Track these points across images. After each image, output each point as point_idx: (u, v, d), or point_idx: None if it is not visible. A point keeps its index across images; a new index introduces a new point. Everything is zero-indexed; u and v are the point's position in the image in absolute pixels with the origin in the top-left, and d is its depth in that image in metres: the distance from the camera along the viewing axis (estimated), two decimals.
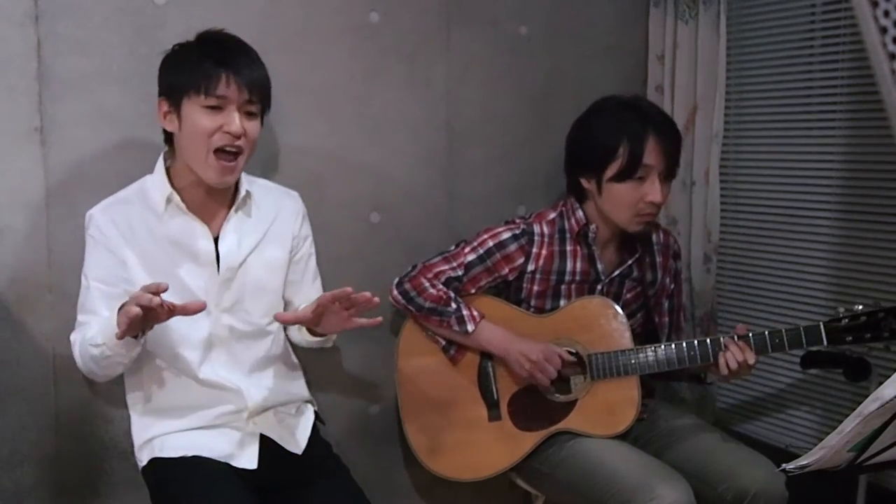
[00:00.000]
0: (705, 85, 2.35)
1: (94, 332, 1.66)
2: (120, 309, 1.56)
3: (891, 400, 1.21)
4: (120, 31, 1.88)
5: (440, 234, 2.26)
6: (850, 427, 1.26)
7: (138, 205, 1.76)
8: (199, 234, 1.76)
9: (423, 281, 2.03)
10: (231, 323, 1.80)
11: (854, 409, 1.26)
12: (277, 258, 1.86)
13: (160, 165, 1.78)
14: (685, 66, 2.39)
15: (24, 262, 1.85)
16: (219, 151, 1.69)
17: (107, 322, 1.63)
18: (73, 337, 1.76)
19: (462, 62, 2.28)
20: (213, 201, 1.78)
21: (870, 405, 1.23)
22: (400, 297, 2.05)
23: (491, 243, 2.04)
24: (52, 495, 1.92)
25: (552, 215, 2.08)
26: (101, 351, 1.64)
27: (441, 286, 2.02)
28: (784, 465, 1.36)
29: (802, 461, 1.33)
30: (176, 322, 1.66)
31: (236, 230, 1.80)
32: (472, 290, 2.06)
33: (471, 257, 2.04)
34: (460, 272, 2.04)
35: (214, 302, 1.77)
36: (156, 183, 1.76)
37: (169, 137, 1.78)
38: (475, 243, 2.06)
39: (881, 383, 1.25)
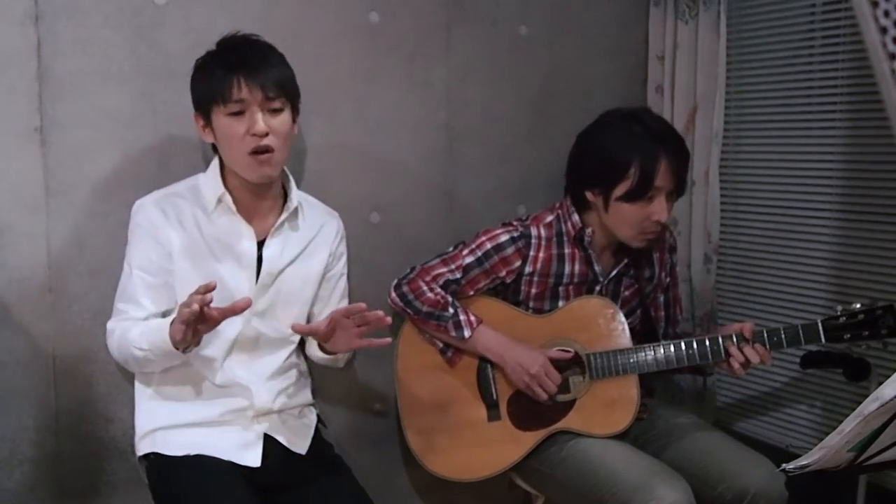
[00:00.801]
0: (705, 85, 2.35)
1: (138, 336, 1.70)
2: (173, 322, 1.61)
3: (891, 400, 1.21)
4: (120, 31, 1.88)
5: (440, 234, 2.26)
6: (850, 427, 1.26)
7: (190, 200, 1.79)
8: (244, 235, 1.79)
9: (421, 284, 2.03)
10: (259, 327, 1.82)
11: (854, 409, 1.26)
12: (313, 272, 1.90)
13: (215, 165, 1.81)
14: (685, 66, 2.39)
15: (24, 262, 1.85)
16: (252, 154, 1.71)
17: (154, 329, 1.67)
18: (110, 325, 1.78)
19: (462, 62, 2.28)
20: (260, 205, 1.82)
21: (870, 405, 1.23)
22: (398, 300, 2.05)
23: (489, 245, 2.04)
24: (52, 495, 1.92)
25: (549, 218, 2.07)
26: (145, 355, 1.69)
27: (439, 290, 2.02)
28: (784, 465, 1.36)
29: (802, 461, 1.33)
30: None
31: (281, 239, 1.83)
32: (471, 293, 2.06)
33: (469, 260, 2.04)
34: (458, 275, 2.04)
35: None
36: (209, 181, 1.80)
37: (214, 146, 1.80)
38: (473, 245, 2.05)
39: (881, 383, 1.25)
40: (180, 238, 1.76)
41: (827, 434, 1.31)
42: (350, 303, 1.99)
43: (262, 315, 1.82)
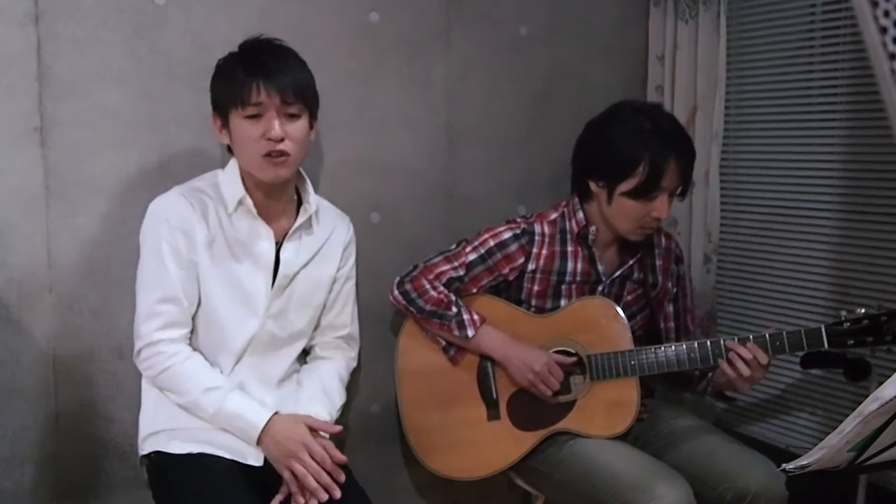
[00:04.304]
0: (705, 85, 2.35)
1: (210, 405, 1.71)
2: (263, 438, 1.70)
3: (891, 400, 1.21)
4: (120, 31, 1.88)
5: (440, 234, 2.26)
6: (850, 427, 1.26)
7: (213, 197, 1.79)
8: (263, 237, 1.79)
9: (425, 282, 2.03)
10: (273, 329, 1.83)
11: (854, 409, 1.26)
12: (325, 275, 1.90)
13: (234, 165, 1.80)
14: (685, 66, 2.39)
15: (24, 262, 1.85)
16: (266, 157, 1.72)
17: (235, 416, 1.72)
18: (170, 349, 1.74)
19: (462, 62, 2.28)
20: (274, 207, 1.82)
21: (870, 405, 1.23)
22: (401, 298, 2.05)
23: (492, 243, 2.04)
24: (52, 496, 1.92)
25: (553, 216, 2.08)
26: (203, 415, 1.73)
27: (442, 288, 2.02)
28: (784, 465, 1.36)
29: (802, 461, 1.33)
30: (227, 315, 1.77)
31: (297, 241, 1.84)
32: (474, 290, 2.06)
33: (472, 257, 2.04)
34: (462, 272, 2.04)
35: (265, 306, 1.80)
36: (229, 181, 1.80)
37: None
38: (476, 242, 2.06)
39: (881, 383, 1.25)
40: (205, 233, 1.76)
41: (827, 434, 1.31)
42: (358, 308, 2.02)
43: (276, 317, 1.83)
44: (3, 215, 1.82)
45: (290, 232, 1.83)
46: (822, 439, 1.31)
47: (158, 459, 1.77)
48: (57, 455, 1.92)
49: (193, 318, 1.79)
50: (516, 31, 2.34)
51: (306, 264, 1.86)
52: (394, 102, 2.20)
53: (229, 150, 1.81)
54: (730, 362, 1.88)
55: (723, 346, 1.90)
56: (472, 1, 2.27)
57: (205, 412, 1.72)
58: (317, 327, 1.96)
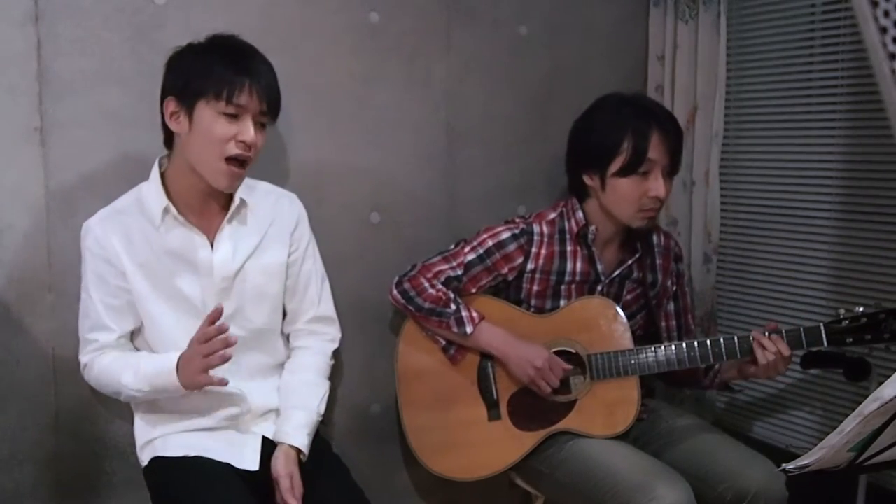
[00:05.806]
0: (705, 85, 2.35)
1: (132, 379, 1.71)
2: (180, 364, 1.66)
3: (891, 400, 1.21)
4: (120, 31, 1.88)
5: (440, 234, 2.26)
6: (850, 427, 1.26)
7: (136, 215, 1.75)
8: (197, 244, 1.76)
9: (423, 281, 2.03)
10: (232, 330, 1.78)
11: (854, 409, 1.26)
12: (275, 263, 1.85)
13: (155, 173, 1.76)
14: (685, 66, 2.40)
15: (24, 262, 1.85)
16: (230, 159, 1.68)
17: (154, 374, 1.70)
18: (84, 359, 1.77)
19: (462, 62, 2.28)
20: (210, 207, 1.78)
21: (870, 405, 1.23)
22: (399, 297, 2.05)
23: (490, 243, 2.04)
24: (52, 495, 1.92)
25: (552, 215, 2.08)
26: (145, 396, 1.73)
27: (440, 286, 2.02)
28: (784, 465, 1.36)
29: (802, 461, 1.33)
30: (177, 330, 1.72)
31: (231, 238, 1.79)
32: (473, 290, 2.06)
33: (470, 257, 2.04)
34: (460, 272, 2.04)
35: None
36: (152, 192, 1.75)
37: (168, 138, 1.76)
38: (475, 243, 2.06)
39: (881, 383, 1.25)
40: (131, 256, 1.73)
41: (827, 434, 1.32)
42: (338, 287, 1.99)
43: (231, 318, 1.77)
44: (3, 215, 1.82)
45: (219, 230, 1.76)
46: (822, 439, 1.32)
47: (156, 465, 1.77)
48: (57, 454, 1.92)
49: (146, 340, 1.78)
50: (516, 31, 2.35)
51: (249, 256, 1.80)
52: (394, 102, 2.20)
53: (167, 143, 1.77)
54: (761, 348, 1.88)
55: (722, 345, 1.91)
56: (472, 1, 2.27)
57: (138, 387, 1.71)
58: (285, 315, 1.92)
